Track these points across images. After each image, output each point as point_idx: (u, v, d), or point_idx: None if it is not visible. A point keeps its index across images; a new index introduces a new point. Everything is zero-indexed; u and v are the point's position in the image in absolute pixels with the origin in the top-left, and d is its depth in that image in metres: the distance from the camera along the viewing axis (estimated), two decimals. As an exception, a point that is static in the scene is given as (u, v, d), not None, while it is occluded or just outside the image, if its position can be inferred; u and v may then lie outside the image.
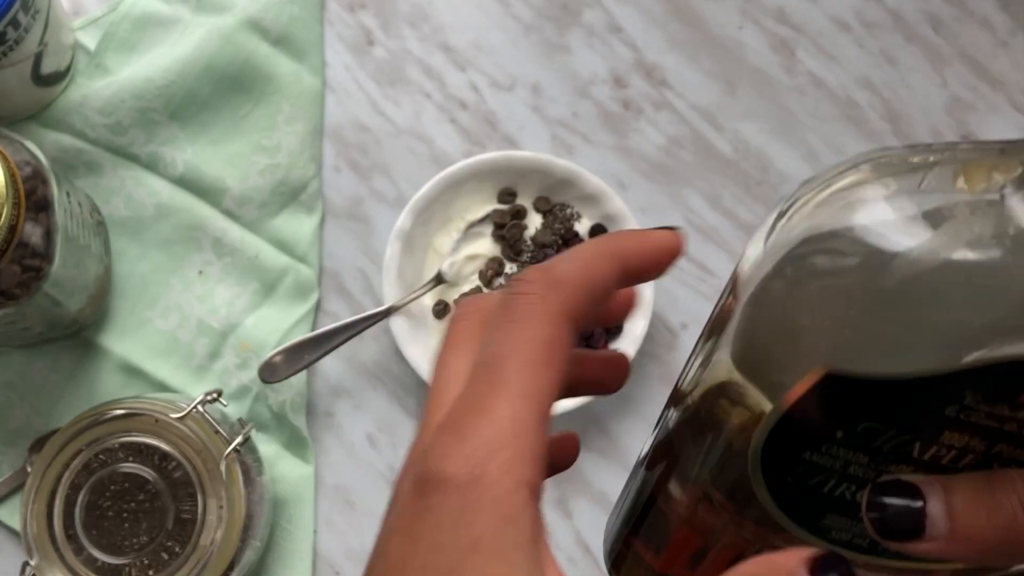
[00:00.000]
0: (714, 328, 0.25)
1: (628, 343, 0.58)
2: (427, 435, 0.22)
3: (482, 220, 0.60)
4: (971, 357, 0.21)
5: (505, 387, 0.22)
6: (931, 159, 0.22)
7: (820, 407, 0.22)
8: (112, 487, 0.52)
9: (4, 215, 0.45)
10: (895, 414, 0.22)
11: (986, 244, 0.20)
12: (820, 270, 0.22)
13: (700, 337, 0.26)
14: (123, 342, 0.59)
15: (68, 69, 0.60)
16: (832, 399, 0.22)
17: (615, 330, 0.58)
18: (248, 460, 0.54)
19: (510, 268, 0.60)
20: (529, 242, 0.60)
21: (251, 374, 0.59)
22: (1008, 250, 0.20)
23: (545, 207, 0.60)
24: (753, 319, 0.23)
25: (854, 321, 0.22)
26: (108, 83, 0.60)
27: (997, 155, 0.22)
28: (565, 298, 0.23)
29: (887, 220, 0.21)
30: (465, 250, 0.60)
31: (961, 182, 0.21)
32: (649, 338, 0.61)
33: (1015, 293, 0.20)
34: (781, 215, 0.24)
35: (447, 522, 0.21)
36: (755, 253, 0.23)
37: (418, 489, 0.21)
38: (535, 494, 0.21)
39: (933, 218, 0.21)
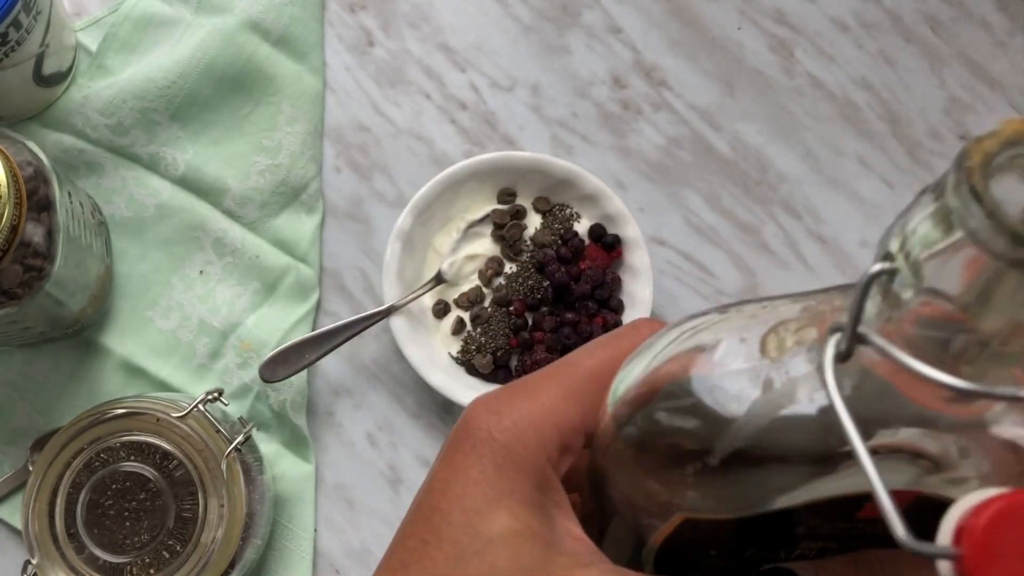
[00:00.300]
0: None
1: (627, 343, 0.58)
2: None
3: (482, 220, 0.60)
4: (801, 500, 0.23)
5: (555, 384, 0.28)
6: (756, 317, 0.25)
7: (687, 541, 0.25)
8: (113, 486, 0.52)
9: (6, 215, 0.45)
10: (755, 538, 0.25)
11: (794, 407, 0.23)
12: (664, 429, 0.25)
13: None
14: (124, 342, 0.60)
15: (70, 70, 0.60)
16: (697, 533, 0.25)
17: (614, 329, 0.59)
18: (249, 459, 0.54)
19: (510, 268, 0.60)
20: (529, 242, 0.60)
21: (252, 373, 0.59)
22: (809, 411, 0.23)
23: (544, 207, 0.61)
24: (615, 465, 0.27)
25: (696, 479, 0.24)
26: (109, 84, 0.60)
27: (802, 314, 0.24)
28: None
29: (721, 385, 0.24)
30: (465, 250, 0.60)
31: (771, 346, 0.24)
32: (648, 338, 0.61)
33: (819, 446, 0.23)
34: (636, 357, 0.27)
35: (480, 464, 0.26)
36: (630, 381, 0.26)
37: (464, 432, 0.27)
38: (549, 458, 0.26)
39: (756, 382, 0.24)
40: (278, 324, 0.60)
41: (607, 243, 0.59)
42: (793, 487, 0.24)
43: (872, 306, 0.21)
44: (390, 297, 0.58)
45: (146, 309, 0.60)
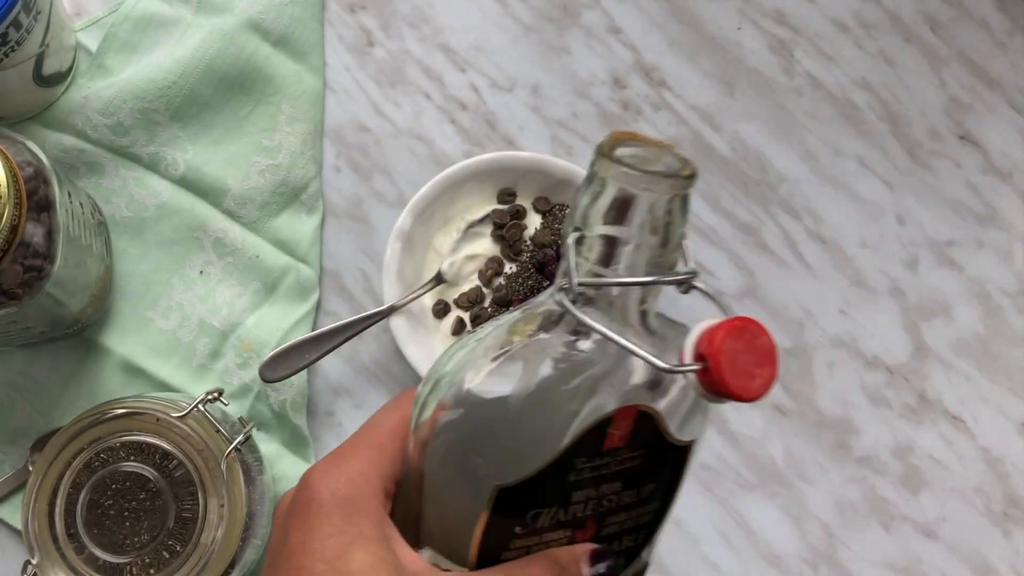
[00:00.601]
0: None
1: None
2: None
3: (482, 220, 0.60)
4: (564, 442, 0.31)
5: (368, 445, 0.34)
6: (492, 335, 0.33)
7: (503, 513, 0.32)
8: (113, 486, 0.52)
9: (6, 215, 0.45)
10: (542, 498, 0.32)
11: (547, 361, 0.32)
12: (459, 422, 0.33)
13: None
14: (124, 342, 0.60)
15: (70, 70, 0.60)
16: (509, 508, 0.32)
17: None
18: (249, 459, 0.54)
19: (509, 268, 0.60)
20: (528, 242, 0.60)
21: (252, 373, 0.60)
22: (560, 353, 0.32)
23: (544, 207, 0.61)
24: (435, 478, 0.34)
25: (497, 454, 0.32)
26: (109, 84, 0.60)
27: (524, 313, 0.34)
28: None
29: (490, 378, 0.32)
30: (465, 250, 0.60)
31: (516, 335, 0.33)
32: (648, 338, 0.61)
33: (570, 388, 0.32)
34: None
35: (329, 519, 0.32)
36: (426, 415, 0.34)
37: (307, 498, 0.33)
38: (381, 502, 0.33)
39: (513, 363, 0.32)
40: (278, 324, 0.60)
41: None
42: (559, 436, 0.32)
43: (578, 262, 0.32)
44: (390, 297, 0.58)
45: (146, 309, 0.60)
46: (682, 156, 0.32)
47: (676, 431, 0.34)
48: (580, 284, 0.32)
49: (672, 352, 0.31)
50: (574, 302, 0.32)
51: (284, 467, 0.59)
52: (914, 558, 0.61)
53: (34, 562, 0.52)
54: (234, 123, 0.62)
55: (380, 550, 0.32)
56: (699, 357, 0.30)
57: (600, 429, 0.32)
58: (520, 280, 0.59)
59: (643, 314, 0.33)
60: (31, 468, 0.54)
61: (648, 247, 0.32)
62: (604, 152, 0.31)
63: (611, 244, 0.32)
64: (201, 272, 0.60)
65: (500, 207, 0.60)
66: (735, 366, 0.29)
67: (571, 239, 0.32)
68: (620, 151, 0.32)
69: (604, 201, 0.31)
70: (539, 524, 0.33)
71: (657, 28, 0.64)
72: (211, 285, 0.60)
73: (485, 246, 0.60)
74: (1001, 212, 0.64)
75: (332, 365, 0.61)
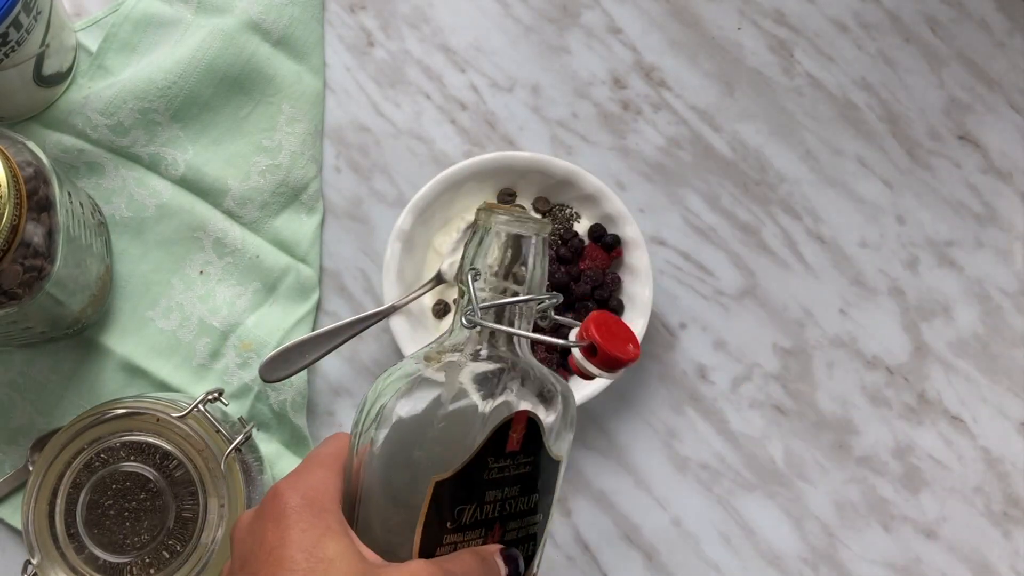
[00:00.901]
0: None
1: (627, 343, 0.58)
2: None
3: (482, 220, 0.60)
4: (479, 440, 0.39)
5: (319, 466, 0.41)
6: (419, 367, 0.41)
7: (437, 507, 0.39)
8: (114, 486, 0.52)
9: (6, 215, 0.45)
10: (465, 494, 0.39)
11: (448, 402, 0.39)
12: (405, 443, 0.40)
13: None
14: (124, 342, 0.60)
15: (70, 70, 0.61)
16: (440, 498, 0.39)
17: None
18: (249, 459, 0.54)
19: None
20: (528, 242, 0.60)
21: (252, 373, 0.60)
22: (449, 399, 0.39)
23: (544, 207, 0.61)
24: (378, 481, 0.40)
25: (428, 446, 0.39)
26: (110, 84, 0.60)
27: (439, 344, 0.43)
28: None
29: (416, 396, 0.40)
30: (465, 250, 0.60)
31: (432, 361, 0.41)
32: (648, 338, 0.61)
33: (473, 404, 0.40)
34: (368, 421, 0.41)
35: (301, 518, 0.37)
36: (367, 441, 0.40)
37: (278, 504, 0.38)
38: (339, 507, 0.39)
39: (434, 380, 0.40)
40: (278, 324, 0.60)
41: (607, 243, 0.59)
42: (475, 437, 0.39)
43: (476, 291, 0.41)
44: (390, 297, 0.58)
45: (146, 309, 0.60)
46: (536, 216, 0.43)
47: (551, 445, 0.42)
48: (482, 307, 0.41)
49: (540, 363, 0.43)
50: (472, 327, 0.41)
51: (284, 467, 0.59)
52: (914, 558, 0.61)
53: (34, 562, 0.52)
54: (234, 123, 0.62)
55: (347, 541, 0.37)
56: (585, 346, 0.41)
57: (503, 431, 0.40)
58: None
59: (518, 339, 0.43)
60: (31, 468, 0.54)
61: (525, 280, 0.42)
62: (489, 209, 0.42)
63: (504, 277, 0.42)
64: (201, 272, 0.60)
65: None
66: (612, 341, 0.41)
67: (469, 276, 0.41)
68: (497, 211, 0.42)
69: (491, 244, 0.42)
70: (463, 520, 0.40)
71: (657, 28, 0.64)
72: (211, 285, 0.60)
73: (485, 246, 0.60)
74: (1001, 212, 0.64)
75: (332, 365, 0.61)
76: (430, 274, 0.60)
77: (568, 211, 0.60)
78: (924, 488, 0.61)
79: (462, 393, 0.39)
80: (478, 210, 0.42)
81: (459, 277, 0.42)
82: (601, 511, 0.61)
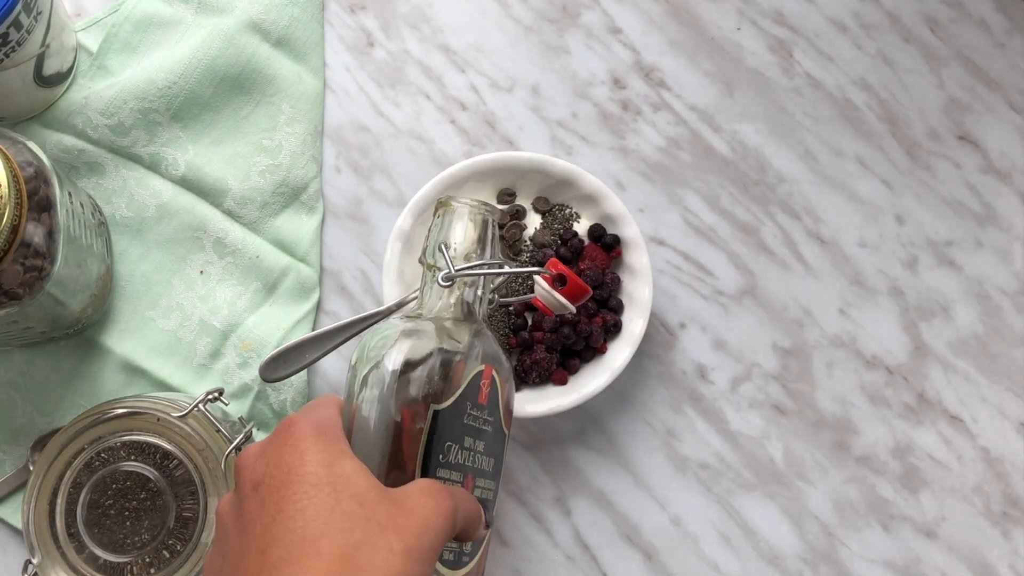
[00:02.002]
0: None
1: (626, 342, 0.58)
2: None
3: (482, 220, 0.60)
4: (464, 384, 0.45)
5: (320, 405, 0.43)
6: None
7: (433, 437, 0.43)
8: (114, 486, 0.52)
9: (6, 215, 0.46)
10: (452, 430, 0.44)
11: (438, 346, 0.45)
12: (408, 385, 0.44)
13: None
14: (125, 341, 0.60)
15: (70, 70, 0.61)
16: (435, 429, 0.43)
17: (614, 329, 0.59)
18: (249, 459, 0.54)
19: (509, 268, 0.60)
20: (528, 242, 0.60)
21: (252, 373, 0.60)
22: (439, 344, 0.45)
23: (544, 207, 0.61)
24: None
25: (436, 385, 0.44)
26: (110, 84, 0.60)
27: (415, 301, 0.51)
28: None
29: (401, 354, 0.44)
30: (465, 250, 0.60)
31: (417, 324, 0.46)
32: (648, 338, 0.61)
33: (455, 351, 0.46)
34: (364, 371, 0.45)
35: (319, 440, 0.40)
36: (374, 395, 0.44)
37: (293, 429, 0.40)
38: (342, 431, 0.42)
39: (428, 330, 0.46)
40: (278, 324, 0.60)
41: (607, 243, 0.59)
42: (460, 378, 0.45)
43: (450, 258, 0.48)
44: (390, 297, 0.58)
45: (147, 309, 0.60)
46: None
47: (502, 414, 0.48)
48: (457, 271, 0.47)
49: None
50: (450, 283, 0.48)
51: (284, 467, 0.59)
52: (913, 558, 0.61)
53: (35, 561, 0.52)
54: (234, 123, 0.62)
55: (360, 462, 0.40)
56: (555, 275, 0.54)
57: (477, 380, 0.46)
58: (520, 279, 0.59)
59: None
60: (32, 468, 0.54)
61: (486, 250, 0.49)
62: (448, 200, 0.49)
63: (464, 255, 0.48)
64: (201, 272, 0.61)
65: (500, 207, 0.60)
66: (579, 278, 0.53)
67: (443, 248, 0.48)
68: (455, 200, 0.49)
69: (454, 224, 0.48)
70: (450, 458, 0.44)
71: (657, 28, 0.64)
72: (211, 285, 0.60)
73: (485, 246, 0.60)
74: (1000, 212, 0.64)
75: (332, 365, 0.61)
76: (430, 274, 0.60)
77: (568, 211, 0.61)
78: (923, 488, 0.62)
79: (447, 340, 0.45)
80: (438, 202, 0.49)
81: (429, 253, 0.49)
82: (601, 511, 0.61)
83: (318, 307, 0.61)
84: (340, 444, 0.40)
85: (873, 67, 0.64)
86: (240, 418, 0.58)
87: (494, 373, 0.47)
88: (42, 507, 0.52)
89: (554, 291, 0.53)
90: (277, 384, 0.59)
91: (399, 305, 0.58)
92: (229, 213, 0.61)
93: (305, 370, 0.59)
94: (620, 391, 0.61)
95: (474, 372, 0.45)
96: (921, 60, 0.65)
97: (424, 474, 0.43)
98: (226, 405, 0.56)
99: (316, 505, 0.37)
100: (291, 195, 0.62)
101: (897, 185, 0.64)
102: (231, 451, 0.52)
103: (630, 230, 0.59)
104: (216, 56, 0.61)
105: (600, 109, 0.64)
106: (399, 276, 0.58)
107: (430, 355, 0.44)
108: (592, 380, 0.58)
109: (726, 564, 0.61)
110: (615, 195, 0.59)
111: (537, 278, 0.53)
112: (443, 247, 0.48)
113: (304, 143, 0.62)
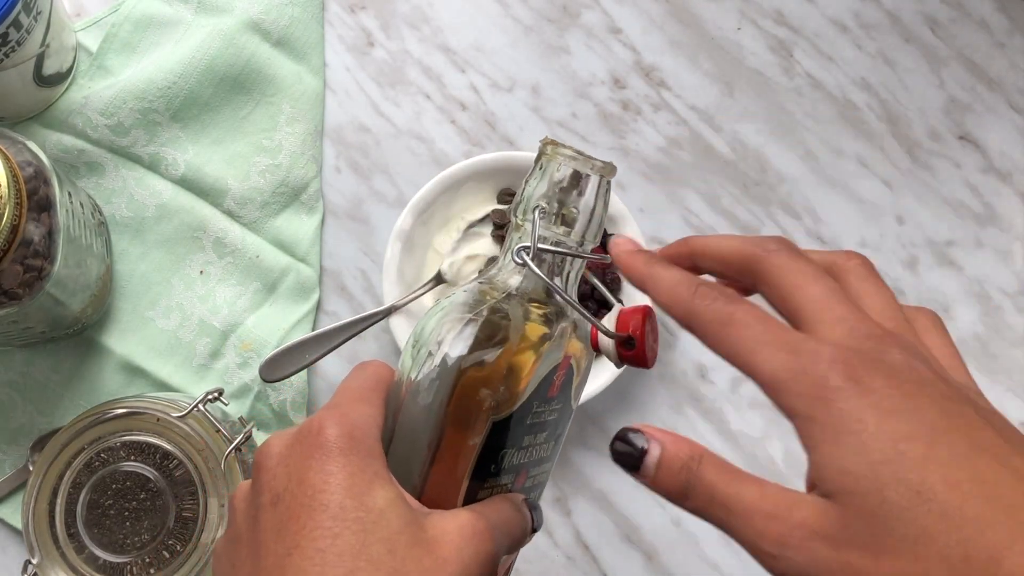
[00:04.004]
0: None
1: (627, 343, 0.58)
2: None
3: (482, 220, 0.60)
4: (533, 384, 0.37)
5: (358, 400, 0.37)
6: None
7: (486, 452, 0.36)
8: (114, 486, 0.52)
9: (6, 215, 0.46)
10: (509, 437, 0.37)
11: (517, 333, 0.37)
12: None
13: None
14: (125, 341, 0.60)
15: (70, 70, 0.61)
16: (490, 441, 0.36)
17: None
18: (249, 459, 0.54)
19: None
20: (528, 242, 0.60)
21: (252, 373, 0.60)
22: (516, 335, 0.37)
23: (544, 207, 0.61)
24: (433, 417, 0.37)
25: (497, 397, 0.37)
26: (110, 84, 0.60)
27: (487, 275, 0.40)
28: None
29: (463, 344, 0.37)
30: (465, 250, 0.60)
31: (486, 295, 0.39)
32: (648, 338, 0.61)
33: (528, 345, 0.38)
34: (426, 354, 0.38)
35: (349, 460, 0.34)
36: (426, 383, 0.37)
37: (321, 440, 0.35)
38: (378, 441, 0.36)
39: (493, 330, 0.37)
40: (278, 324, 0.60)
41: (607, 243, 0.59)
42: (530, 378, 0.37)
43: (538, 228, 0.39)
44: (390, 297, 0.58)
45: (147, 309, 0.60)
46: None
47: (575, 393, 0.41)
48: (539, 249, 0.38)
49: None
50: (523, 265, 0.39)
51: (284, 467, 0.59)
52: (914, 558, 0.61)
53: (34, 562, 0.52)
54: (234, 123, 0.62)
55: (395, 489, 0.34)
56: (624, 332, 0.40)
57: (552, 374, 0.38)
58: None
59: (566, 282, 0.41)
60: (31, 468, 0.54)
61: (584, 225, 0.39)
62: (553, 144, 0.39)
63: (562, 219, 0.39)
64: (201, 272, 0.61)
65: (500, 207, 0.60)
66: (648, 344, 0.40)
67: (536, 213, 0.39)
68: (563, 146, 0.39)
69: (558, 177, 0.39)
70: (503, 465, 0.38)
71: (657, 28, 0.64)
72: (211, 285, 0.60)
73: (485, 246, 0.60)
74: (1000, 212, 0.64)
75: (332, 365, 0.61)
76: (430, 274, 0.60)
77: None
78: (924, 488, 0.62)
79: (529, 330, 0.38)
80: (542, 143, 0.39)
81: (519, 212, 0.39)
82: (601, 511, 0.61)
83: (318, 307, 0.61)
84: (374, 464, 0.34)
85: (873, 67, 0.64)
86: (240, 418, 0.58)
87: (572, 362, 0.40)
88: (42, 507, 0.52)
89: (617, 346, 0.41)
90: (277, 384, 0.59)
91: (396, 308, 0.58)
92: (229, 213, 0.61)
93: (305, 370, 0.58)
94: (620, 391, 0.61)
95: (550, 368, 0.38)
96: (921, 60, 0.65)
97: (472, 491, 0.37)
98: (226, 405, 0.56)
99: (339, 547, 0.32)
100: (291, 195, 0.62)
101: (897, 185, 0.64)
102: (231, 451, 0.52)
103: (630, 230, 0.59)
104: (216, 56, 0.61)
105: (600, 109, 0.64)
106: (399, 276, 0.58)
107: (498, 357, 0.36)
108: (592, 380, 0.58)
109: (726, 564, 0.61)
110: (615, 195, 0.59)
111: (611, 316, 0.41)
112: (537, 211, 0.39)
113: (304, 143, 0.62)
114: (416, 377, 0.37)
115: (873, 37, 0.65)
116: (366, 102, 0.63)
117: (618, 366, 0.41)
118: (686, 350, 0.62)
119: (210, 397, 0.54)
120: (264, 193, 0.61)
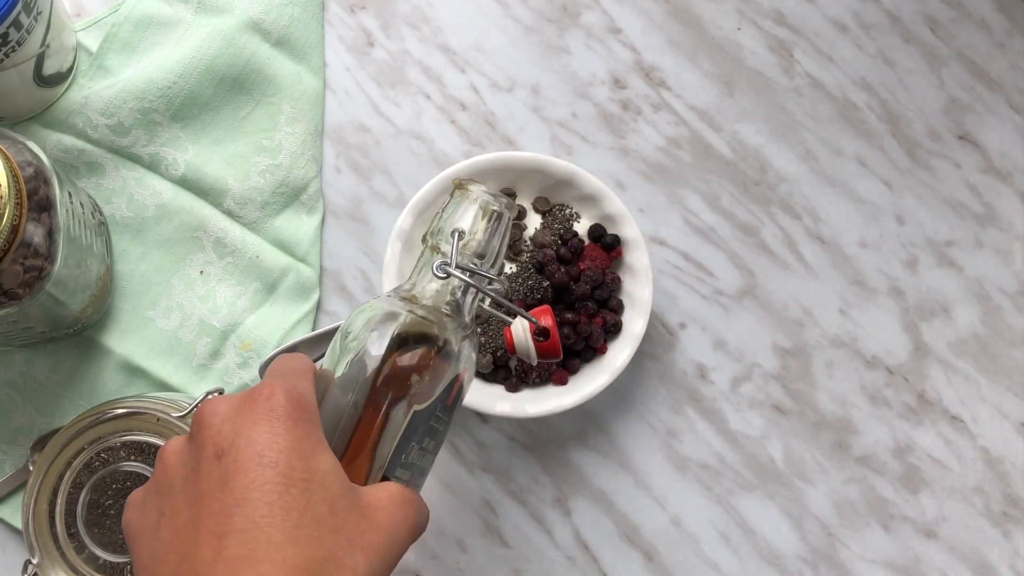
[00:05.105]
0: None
1: (627, 343, 0.58)
2: None
3: (482, 220, 0.60)
4: (441, 387, 0.44)
5: (294, 374, 0.40)
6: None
7: (405, 439, 0.42)
8: (114, 486, 0.52)
9: (6, 215, 0.46)
10: (419, 431, 0.42)
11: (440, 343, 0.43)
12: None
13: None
14: (125, 341, 0.60)
15: (70, 70, 0.61)
16: (409, 431, 0.42)
17: (614, 329, 0.59)
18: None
19: (510, 268, 0.60)
20: (528, 242, 0.60)
21: (252, 373, 0.60)
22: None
23: (544, 207, 0.61)
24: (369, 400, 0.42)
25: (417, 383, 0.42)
26: (110, 84, 0.60)
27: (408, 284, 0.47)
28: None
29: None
30: (465, 250, 0.60)
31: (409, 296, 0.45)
32: (648, 338, 0.61)
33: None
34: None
35: (297, 424, 0.37)
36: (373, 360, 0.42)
37: (271, 402, 0.38)
38: (319, 414, 0.39)
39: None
40: (278, 324, 0.60)
41: (607, 243, 0.59)
42: (441, 382, 0.43)
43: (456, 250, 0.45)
44: (390, 297, 0.58)
45: (147, 309, 0.60)
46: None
47: (460, 403, 0.46)
48: (457, 266, 0.44)
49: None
50: (446, 277, 0.45)
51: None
52: (913, 558, 0.61)
53: (34, 561, 0.52)
54: (234, 123, 0.62)
55: (333, 457, 0.38)
56: (541, 327, 0.50)
57: (452, 384, 0.44)
58: (520, 280, 0.59)
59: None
60: (32, 468, 0.54)
61: (492, 254, 0.46)
62: (461, 185, 0.47)
63: (470, 245, 0.46)
64: (201, 272, 0.61)
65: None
66: (561, 335, 0.51)
67: (456, 236, 0.45)
68: (473, 184, 0.47)
69: (468, 211, 0.46)
70: (410, 459, 0.42)
71: (657, 28, 0.64)
72: (211, 285, 0.60)
73: (485, 246, 0.60)
74: (1000, 212, 0.64)
75: (332, 365, 0.61)
76: (430, 274, 0.60)
77: (568, 211, 0.61)
78: (924, 488, 0.62)
79: (447, 333, 0.43)
80: (456, 182, 0.47)
81: (436, 235, 0.46)
82: (601, 511, 0.61)
83: (318, 307, 0.61)
84: (317, 432, 0.37)
85: (873, 67, 0.64)
86: (240, 418, 0.58)
87: (464, 381, 0.45)
88: (42, 507, 0.52)
89: (530, 339, 0.50)
90: (277, 384, 0.59)
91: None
92: (229, 213, 0.61)
93: (305, 370, 0.59)
94: (620, 391, 0.61)
95: (454, 375, 0.44)
96: (921, 60, 0.65)
97: (387, 475, 0.41)
98: (226, 405, 0.56)
99: (286, 502, 0.35)
100: (291, 195, 0.62)
101: (897, 185, 0.64)
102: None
103: (630, 230, 0.59)
104: (216, 56, 0.61)
105: (600, 109, 0.64)
106: (399, 276, 0.58)
107: (428, 349, 0.42)
108: (592, 380, 0.58)
109: (726, 564, 0.61)
110: (615, 195, 0.59)
111: (519, 318, 0.50)
112: (456, 234, 0.45)
113: (304, 143, 0.62)
114: (348, 363, 0.41)
115: (873, 37, 0.65)
116: (366, 102, 0.63)
117: (534, 362, 0.51)
118: (686, 350, 0.62)
119: (210, 397, 0.54)
120: (264, 193, 0.61)
